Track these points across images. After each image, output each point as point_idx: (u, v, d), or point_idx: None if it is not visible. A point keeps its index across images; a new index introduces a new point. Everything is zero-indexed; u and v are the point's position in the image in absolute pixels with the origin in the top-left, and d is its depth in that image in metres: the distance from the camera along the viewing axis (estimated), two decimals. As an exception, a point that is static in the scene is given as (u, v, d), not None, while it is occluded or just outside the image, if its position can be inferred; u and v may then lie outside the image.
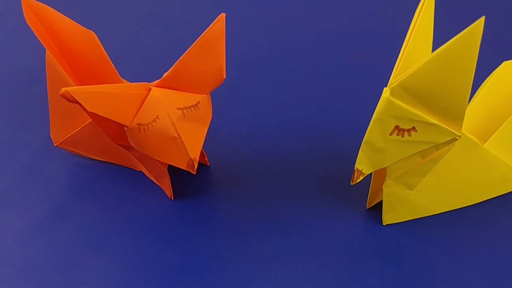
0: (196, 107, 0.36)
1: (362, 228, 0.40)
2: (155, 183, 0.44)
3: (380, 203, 0.40)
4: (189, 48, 0.35)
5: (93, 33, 0.44)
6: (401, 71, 0.33)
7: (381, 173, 0.38)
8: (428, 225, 0.40)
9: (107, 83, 0.46)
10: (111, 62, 0.45)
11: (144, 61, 0.55)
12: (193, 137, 0.35)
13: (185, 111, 0.35)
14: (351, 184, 0.36)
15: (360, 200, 0.41)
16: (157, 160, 0.41)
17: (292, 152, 0.45)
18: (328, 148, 0.45)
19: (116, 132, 0.38)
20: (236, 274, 0.38)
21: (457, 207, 0.40)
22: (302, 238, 0.39)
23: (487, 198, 0.40)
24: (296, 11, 0.60)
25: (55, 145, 0.47)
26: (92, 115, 0.35)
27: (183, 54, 0.35)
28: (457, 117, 0.33)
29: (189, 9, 0.61)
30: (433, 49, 0.35)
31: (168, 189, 0.42)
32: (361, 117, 0.42)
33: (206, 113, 0.36)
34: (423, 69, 0.31)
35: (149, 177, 0.44)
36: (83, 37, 0.45)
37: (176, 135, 0.35)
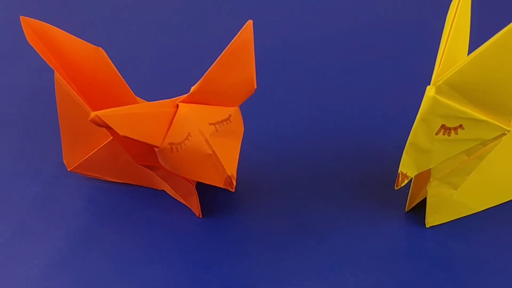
0: (228, 121, 0.34)
1: (405, 233, 0.38)
2: (179, 201, 0.42)
3: (418, 205, 0.39)
4: (217, 59, 0.33)
5: (102, 49, 0.42)
6: (443, 69, 0.31)
7: (422, 174, 0.36)
8: (471, 224, 0.38)
9: (121, 102, 0.43)
10: (123, 79, 0.43)
11: (150, 73, 0.53)
12: (228, 153, 0.33)
13: (217, 126, 0.33)
14: (396, 188, 0.35)
15: (397, 203, 0.40)
16: (184, 178, 0.39)
17: (318, 158, 0.43)
18: (354, 152, 0.44)
19: (141, 153, 0.36)
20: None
21: (499, 203, 0.39)
22: (342, 249, 0.37)
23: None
24: (300, 11, 0.58)
25: (68, 170, 0.45)
26: (119, 137, 0.33)
27: (211, 66, 0.33)
28: (506, 112, 0.31)
29: (186, 16, 0.59)
30: (470, 46, 0.34)
31: (196, 207, 0.40)
32: (385, 118, 0.41)
33: (239, 126, 0.34)
34: (471, 65, 0.30)
35: (173, 196, 0.42)
36: (90, 55, 0.43)
37: (211, 152, 0.33)
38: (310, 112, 0.47)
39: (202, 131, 0.33)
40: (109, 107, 0.43)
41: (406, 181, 0.34)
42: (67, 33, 0.43)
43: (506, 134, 0.32)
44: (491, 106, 0.31)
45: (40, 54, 0.43)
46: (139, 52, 0.55)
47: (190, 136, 0.33)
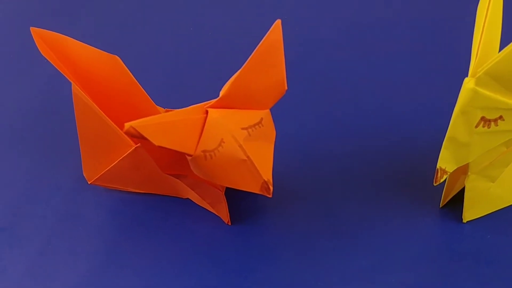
0: (260, 125, 0.33)
1: (442, 229, 0.37)
2: (206, 209, 0.41)
3: (452, 200, 0.38)
4: (246, 62, 0.32)
5: (118, 57, 0.41)
6: (481, 61, 0.31)
7: (457, 168, 0.35)
8: (508, 216, 0.38)
9: (141, 112, 0.42)
10: (141, 87, 0.42)
11: (162, 80, 0.52)
12: (262, 158, 0.32)
13: (249, 130, 0.32)
14: (435, 184, 0.34)
15: (429, 199, 0.39)
16: (213, 185, 0.38)
17: (344, 157, 0.42)
18: (382, 149, 0.43)
19: (170, 162, 0.35)
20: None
21: None
22: (380, 248, 0.37)
23: None
24: (309, 9, 0.58)
25: (89, 183, 0.44)
26: (150, 147, 0.32)
27: (240, 69, 0.32)
28: None
29: (191, 19, 0.58)
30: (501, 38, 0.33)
31: (225, 214, 0.39)
32: (411, 114, 0.40)
33: (271, 130, 0.33)
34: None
35: (199, 203, 0.41)
36: (106, 64, 0.41)
37: (245, 158, 0.32)
38: (332, 111, 0.46)
39: (235, 136, 0.32)
40: (129, 117, 0.41)
41: (445, 177, 0.33)
42: (79, 42, 0.42)
43: (546, 123, 0.32)
44: None
45: (54, 65, 0.42)
46: (149, 59, 0.54)
47: (223, 142, 0.32)
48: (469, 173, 0.35)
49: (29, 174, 0.45)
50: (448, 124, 0.32)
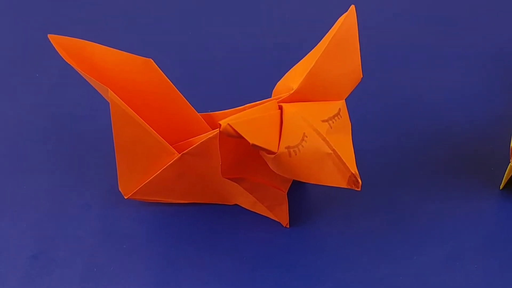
0: (339, 116, 0.31)
1: (507, 210, 0.37)
2: (257, 214, 0.39)
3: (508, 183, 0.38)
4: (321, 52, 0.31)
5: (152, 61, 0.38)
6: None
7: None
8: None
9: (180, 118, 0.40)
10: (178, 92, 0.39)
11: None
12: (345, 150, 0.31)
13: (330, 122, 0.31)
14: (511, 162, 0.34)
15: (488, 184, 0.38)
16: (274, 186, 0.36)
17: (394, 149, 0.41)
18: (427, 137, 0.42)
19: (232, 164, 0.33)
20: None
21: None
22: (450, 237, 0.36)
23: None
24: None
25: (126, 197, 0.41)
26: (227, 148, 0.30)
27: (316, 60, 0.30)
28: None
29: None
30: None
31: (285, 217, 0.37)
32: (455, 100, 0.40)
33: (348, 120, 0.32)
34: None
35: (251, 208, 0.39)
36: (139, 69, 0.39)
37: (331, 151, 0.30)
38: (374, 103, 0.45)
39: (317, 129, 0.30)
40: (167, 124, 0.39)
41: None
42: (105, 46, 0.39)
43: None
44: None
45: (82, 75, 0.39)
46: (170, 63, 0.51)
47: (306, 136, 0.30)
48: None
49: (55, 193, 0.41)
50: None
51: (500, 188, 0.38)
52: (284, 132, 0.30)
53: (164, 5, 0.56)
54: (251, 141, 0.29)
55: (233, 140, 0.33)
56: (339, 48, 0.31)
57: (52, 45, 0.39)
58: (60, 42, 0.40)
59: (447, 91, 0.45)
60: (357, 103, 0.44)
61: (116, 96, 0.37)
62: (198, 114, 0.40)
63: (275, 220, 0.38)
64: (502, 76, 0.43)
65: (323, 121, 0.31)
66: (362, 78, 0.32)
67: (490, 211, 0.37)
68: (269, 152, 0.30)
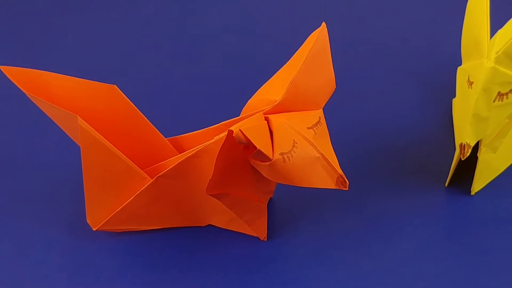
0: (320, 123, 0.33)
1: (454, 204, 0.41)
2: (231, 232, 0.40)
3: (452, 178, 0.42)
4: (300, 65, 0.33)
5: (116, 87, 0.38)
6: (491, 45, 0.36)
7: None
8: (500, 183, 0.43)
9: (146, 142, 0.40)
10: (144, 116, 0.39)
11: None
12: (330, 154, 0.33)
13: (314, 129, 0.33)
14: (463, 159, 0.38)
15: (429, 183, 0.42)
16: (255, 199, 0.37)
17: (354, 157, 0.44)
18: (380, 147, 0.45)
19: (222, 178, 0.34)
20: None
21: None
22: (411, 236, 0.39)
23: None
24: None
25: (94, 229, 0.39)
26: (225, 159, 0.31)
27: (296, 74, 0.33)
28: None
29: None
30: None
31: (263, 230, 0.38)
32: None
33: (326, 127, 0.34)
34: None
35: (225, 226, 0.40)
36: (103, 95, 0.39)
37: (319, 155, 0.32)
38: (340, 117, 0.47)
39: (305, 136, 0.32)
40: (135, 150, 0.39)
41: (469, 151, 0.38)
42: (63, 75, 0.38)
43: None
44: None
45: (43, 106, 0.37)
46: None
47: (296, 143, 0.32)
48: (481, 147, 0.39)
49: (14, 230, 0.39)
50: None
51: (446, 186, 0.42)
52: (276, 140, 0.32)
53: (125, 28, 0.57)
54: (258, 147, 0.30)
55: (215, 156, 0.34)
56: (315, 61, 0.33)
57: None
58: (14, 74, 0.38)
59: (394, 106, 0.49)
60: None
61: (85, 122, 0.37)
62: (165, 138, 0.41)
63: (250, 236, 0.39)
64: (433, 89, 0.49)
65: (308, 128, 0.33)
66: (335, 88, 0.35)
67: (443, 205, 0.41)
68: (266, 159, 0.31)
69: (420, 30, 0.57)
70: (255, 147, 0.30)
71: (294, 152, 0.32)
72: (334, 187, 0.33)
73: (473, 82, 0.37)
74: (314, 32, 0.34)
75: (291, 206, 0.41)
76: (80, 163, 0.37)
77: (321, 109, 0.34)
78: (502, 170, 0.43)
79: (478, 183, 0.41)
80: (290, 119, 0.33)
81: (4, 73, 0.38)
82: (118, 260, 0.38)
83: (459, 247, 0.38)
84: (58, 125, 0.40)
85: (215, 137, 0.35)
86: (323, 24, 0.34)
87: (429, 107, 0.48)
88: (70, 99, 0.38)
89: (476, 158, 0.40)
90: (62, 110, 0.37)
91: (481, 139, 0.39)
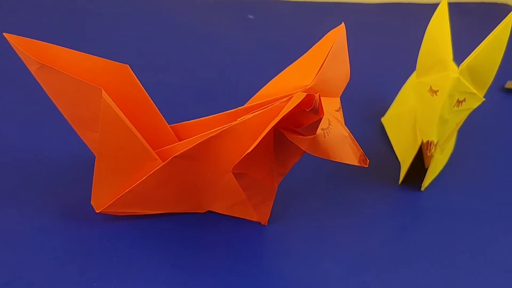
0: (340, 109, 0.38)
1: (410, 200, 0.47)
2: (232, 217, 0.41)
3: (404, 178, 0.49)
4: (326, 58, 0.37)
5: (128, 67, 0.39)
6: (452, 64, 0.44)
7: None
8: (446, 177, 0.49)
9: (150, 126, 0.40)
10: (151, 100, 0.40)
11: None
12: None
13: (337, 113, 0.37)
14: (428, 154, 0.44)
15: (382, 182, 0.48)
16: (269, 181, 0.39)
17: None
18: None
19: (254, 155, 0.36)
20: None
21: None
22: (383, 226, 0.42)
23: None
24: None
25: (97, 211, 0.38)
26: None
27: (323, 65, 0.37)
28: (485, 87, 0.46)
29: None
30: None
31: (266, 214, 0.40)
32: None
33: (342, 113, 0.38)
34: (481, 52, 0.43)
35: (227, 212, 0.41)
36: (113, 75, 0.38)
37: (347, 134, 0.36)
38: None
39: (335, 117, 0.36)
40: (140, 132, 0.39)
41: (435, 148, 0.45)
42: (73, 50, 0.38)
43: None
44: (480, 83, 0.44)
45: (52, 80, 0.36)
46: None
47: (330, 122, 0.35)
48: (436, 147, 0.47)
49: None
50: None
51: (399, 183, 0.49)
52: None
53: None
54: (323, 114, 0.33)
55: (239, 137, 0.36)
56: (337, 54, 0.38)
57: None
58: (18, 42, 0.36)
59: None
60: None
61: (109, 98, 0.36)
62: (168, 125, 0.41)
63: (249, 221, 0.41)
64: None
65: (336, 111, 0.37)
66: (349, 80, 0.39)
67: (400, 199, 0.47)
68: (312, 132, 0.34)
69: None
70: (317, 116, 0.33)
71: (331, 129, 0.35)
72: (357, 164, 0.37)
73: (437, 90, 0.44)
74: (332, 30, 0.39)
75: (283, 197, 0.44)
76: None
77: (339, 98, 0.39)
78: (441, 169, 0.51)
79: (428, 180, 0.49)
80: (324, 102, 0.36)
81: (11, 42, 0.36)
82: (125, 243, 0.37)
83: (421, 230, 0.43)
84: (60, 106, 0.38)
85: (238, 119, 0.37)
86: (343, 24, 0.38)
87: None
88: (80, 75, 0.37)
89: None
90: (83, 82, 0.36)
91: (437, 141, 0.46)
